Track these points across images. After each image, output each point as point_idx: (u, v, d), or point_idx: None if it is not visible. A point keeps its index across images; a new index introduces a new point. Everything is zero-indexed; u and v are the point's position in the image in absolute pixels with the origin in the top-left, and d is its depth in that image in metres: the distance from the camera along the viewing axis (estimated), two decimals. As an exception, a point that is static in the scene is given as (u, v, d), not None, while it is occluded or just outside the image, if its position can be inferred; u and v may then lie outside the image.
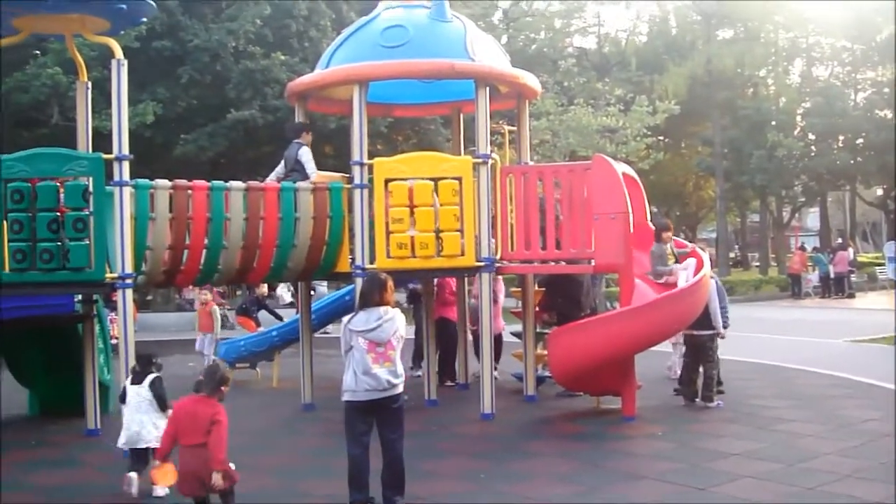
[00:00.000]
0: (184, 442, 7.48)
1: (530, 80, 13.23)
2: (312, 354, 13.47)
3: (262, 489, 8.82)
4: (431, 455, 9.99)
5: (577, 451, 10.24)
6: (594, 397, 12.64)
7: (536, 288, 13.81)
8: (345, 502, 7.90)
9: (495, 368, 13.31)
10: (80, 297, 12.00)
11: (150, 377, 8.88)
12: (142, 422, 8.76)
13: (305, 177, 12.31)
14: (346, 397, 7.85)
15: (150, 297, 28.74)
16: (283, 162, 13.02)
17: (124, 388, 8.98)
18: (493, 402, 12.06)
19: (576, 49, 48.68)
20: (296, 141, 12.84)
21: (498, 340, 14.46)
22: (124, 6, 10.50)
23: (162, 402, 8.76)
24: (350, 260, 12.10)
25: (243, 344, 16.21)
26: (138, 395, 8.80)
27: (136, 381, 8.90)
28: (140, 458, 8.79)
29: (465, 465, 9.72)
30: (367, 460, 7.89)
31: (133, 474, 8.62)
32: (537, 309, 13.74)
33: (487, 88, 12.39)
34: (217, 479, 7.33)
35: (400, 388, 7.87)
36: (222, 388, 7.72)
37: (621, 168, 12.23)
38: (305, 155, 12.55)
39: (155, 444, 8.33)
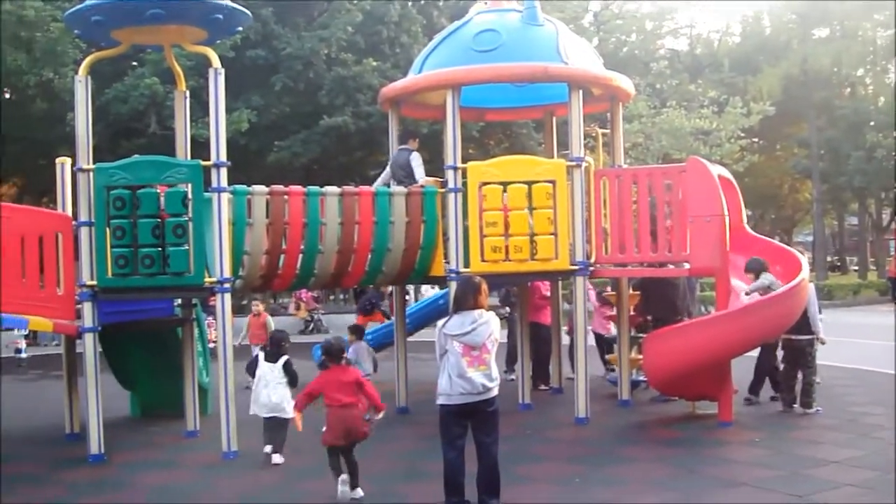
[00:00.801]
0: (335, 403, 8.69)
1: (624, 82, 13.14)
2: (407, 358, 13.54)
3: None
4: (526, 459, 9.96)
5: (672, 457, 10.12)
6: (689, 402, 12.50)
7: (631, 292, 13.70)
8: (441, 505, 7.92)
9: (613, 370, 13.34)
10: (179, 301, 12.23)
11: (284, 358, 10.45)
12: (282, 396, 10.30)
13: (415, 182, 12.37)
14: (441, 401, 7.87)
15: (245, 302, 29.12)
16: (388, 167, 13.08)
17: (256, 358, 10.65)
18: (587, 406, 11.99)
19: (667, 51, 48.19)
20: (403, 147, 12.90)
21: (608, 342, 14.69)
22: (221, 16, 10.64)
23: (294, 380, 10.41)
24: (444, 264, 12.12)
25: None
26: (272, 372, 10.37)
27: (270, 359, 10.44)
28: (278, 426, 10.30)
29: (559, 469, 9.68)
30: (462, 464, 7.90)
31: (268, 448, 10.30)
32: (632, 313, 13.63)
33: (581, 91, 12.33)
34: (375, 417, 8.85)
35: (495, 392, 7.86)
36: (343, 355, 9.03)
37: (717, 170, 12.09)
38: (416, 160, 12.64)
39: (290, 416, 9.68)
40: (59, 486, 9.54)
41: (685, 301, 13.51)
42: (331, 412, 8.74)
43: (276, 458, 10.25)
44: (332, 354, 9.00)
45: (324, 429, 8.74)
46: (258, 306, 17.07)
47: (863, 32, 47.52)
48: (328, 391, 8.75)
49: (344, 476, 8.71)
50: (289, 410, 9.92)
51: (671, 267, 12.52)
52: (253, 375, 10.57)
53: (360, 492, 8.69)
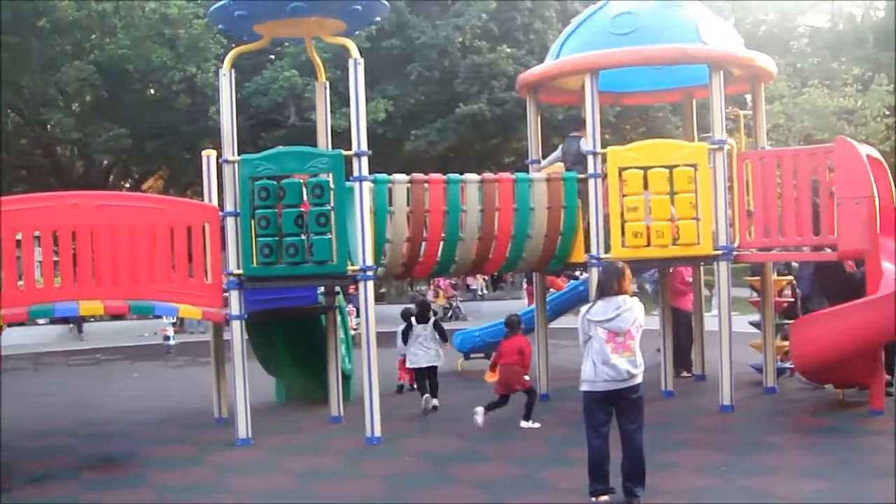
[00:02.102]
0: (503, 362, 11.40)
1: (765, 61, 12.83)
2: (548, 344, 13.52)
3: (505, 478, 8.94)
4: (670, 447, 9.83)
5: (822, 446, 9.86)
6: (838, 389, 12.17)
7: (776, 277, 13.41)
8: (585, 492, 7.89)
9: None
10: (322, 289, 12.44)
11: (433, 319, 12.89)
12: (437, 351, 12.67)
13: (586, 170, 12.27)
14: (584, 388, 7.82)
15: (383, 290, 29.48)
16: (557, 154, 13.04)
17: (409, 326, 12.76)
18: (731, 393, 11.79)
19: (807, 28, 46.85)
20: (574, 135, 12.76)
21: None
22: (359, 7, 10.77)
23: (444, 336, 12.78)
24: (585, 250, 12.04)
25: (478, 335, 16.43)
26: (425, 331, 12.63)
27: (421, 321, 12.67)
28: (432, 374, 12.73)
29: (704, 457, 9.53)
30: (607, 450, 7.84)
31: (427, 395, 12.56)
32: (777, 298, 13.34)
33: (721, 72, 12.10)
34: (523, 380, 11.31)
35: (639, 379, 7.78)
36: (520, 326, 11.65)
37: (865, 150, 11.71)
38: (586, 147, 12.50)
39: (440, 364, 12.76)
40: (209, 468, 9.85)
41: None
42: (500, 370, 11.41)
43: (434, 402, 12.54)
44: (511, 326, 11.54)
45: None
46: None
47: None
48: (503, 352, 11.42)
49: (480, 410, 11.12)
50: (440, 361, 12.74)
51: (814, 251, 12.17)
52: (405, 342, 12.80)
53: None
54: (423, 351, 12.57)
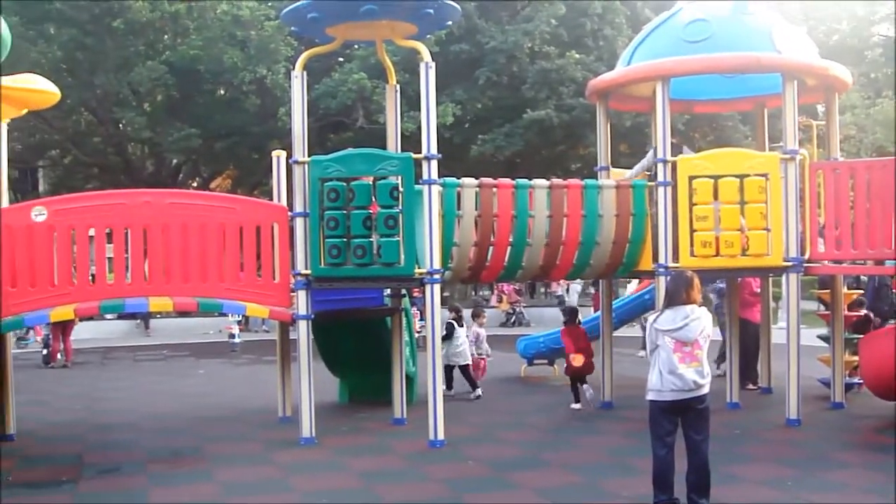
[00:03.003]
0: (584, 345, 13.30)
1: (840, 71, 12.66)
2: (612, 352, 13.47)
3: (568, 485, 8.91)
4: (735, 459, 9.74)
5: (888, 464, 9.67)
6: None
7: (846, 290, 13.23)
8: (649, 502, 7.84)
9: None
10: (388, 291, 12.49)
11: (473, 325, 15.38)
12: (471, 351, 14.77)
13: None
14: (651, 396, 7.78)
15: (447, 293, 29.50)
16: (645, 162, 13.00)
17: (451, 325, 14.36)
18: (798, 407, 11.64)
19: (882, 38, 46.14)
20: (673, 142, 12.74)
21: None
22: (431, 11, 10.80)
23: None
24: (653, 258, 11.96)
25: (542, 340, 16.41)
26: (465, 331, 14.74)
27: (460, 325, 14.58)
28: (466, 371, 14.54)
29: (770, 471, 9.43)
30: (672, 461, 7.79)
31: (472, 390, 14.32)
32: (847, 312, 13.17)
33: (795, 82, 11.96)
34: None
35: (706, 389, 7.72)
36: (577, 318, 13.91)
37: (939, 164, 11.52)
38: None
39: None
40: (273, 467, 9.90)
41: None
42: (571, 357, 13.18)
43: (479, 392, 14.32)
44: (569, 315, 13.71)
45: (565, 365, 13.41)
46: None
47: None
48: (570, 342, 13.26)
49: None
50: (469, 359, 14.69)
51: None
52: (448, 338, 14.13)
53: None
54: (465, 348, 14.55)
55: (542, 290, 33.51)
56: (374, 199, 10.60)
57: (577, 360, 13.13)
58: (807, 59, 12.36)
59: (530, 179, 11.82)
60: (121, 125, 29.10)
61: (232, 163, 32.93)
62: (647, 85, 12.63)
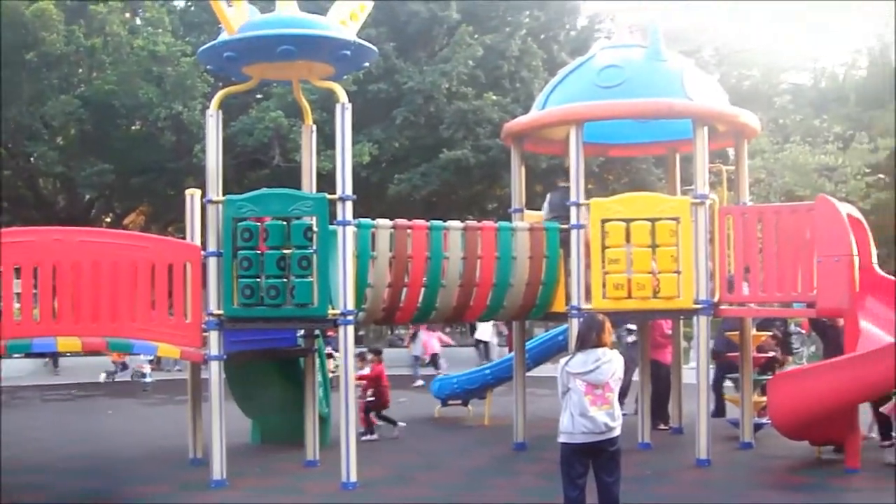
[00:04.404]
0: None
1: (750, 118, 12.96)
2: (526, 393, 13.50)
3: (479, 527, 8.90)
4: (647, 500, 9.83)
5: (798, 503, 9.89)
6: (815, 447, 12.20)
7: (755, 332, 13.46)
8: (562, 544, 7.86)
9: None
10: (302, 332, 12.41)
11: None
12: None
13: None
14: (562, 439, 7.83)
15: (362, 333, 29.37)
16: (546, 205, 13.17)
17: None
18: (708, 447, 11.78)
19: (791, 85, 47.26)
20: (564, 185, 12.88)
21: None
22: (349, 52, 10.82)
23: None
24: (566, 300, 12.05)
25: (456, 381, 16.39)
26: None
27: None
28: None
29: (681, 512, 9.53)
30: (584, 502, 7.83)
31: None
32: (755, 354, 13.40)
33: (706, 128, 12.20)
34: None
35: (617, 431, 7.81)
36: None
37: (846, 209, 11.82)
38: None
39: None
40: (183, 510, 9.75)
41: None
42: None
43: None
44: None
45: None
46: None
47: None
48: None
49: None
50: None
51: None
52: None
53: None
54: None
55: (459, 330, 33.44)
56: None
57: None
58: (717, 106, 12.63)
59: (447, 219, 11.92)
60: (32, 159, 28.58)
61: (147, 199, 32.50)
62: (562, 128, 12.77)
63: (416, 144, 28.55)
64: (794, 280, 11.73)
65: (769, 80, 44.47)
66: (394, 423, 14.33)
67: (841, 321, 12.53)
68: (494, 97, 27.75)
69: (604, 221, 11.62)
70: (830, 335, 12.90)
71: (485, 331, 27.29)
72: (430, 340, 25.02)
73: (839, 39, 51.67)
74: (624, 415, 13.80)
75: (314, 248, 10.48)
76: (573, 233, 11.80)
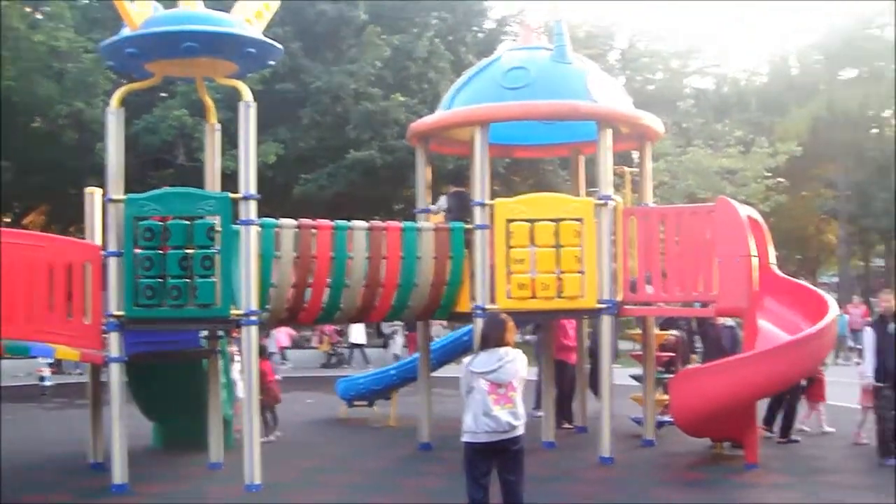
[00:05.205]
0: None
1: (653, 121, 13.14)
2: (431, 393, 13.51)
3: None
4: (551, 498, 9.89)
5: (699, 499, 10.06)
6: (715, 443, 12.44)
7: (658, 331, 13.66)
8: (466, 543, 7.86)
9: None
10: (205, 333, 12.24)
11: None
12: None
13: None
14: (465, 438, 7.82)
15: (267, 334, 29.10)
16: (437, 207, 13.35)
17: None
18: (611, 445, 11.91)
19: (694, 90, 48.08)
20: (458, 190, 13.13)
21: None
22: (254, 50, 10.71)
23: None
24: (471, 300, 12.08)
25: (362, 381, 16.33)
26: None
27: None
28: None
29: (585, 509, 9.62)
30: (487, 502, 7.84)
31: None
32: (658, 353, 13.60)
33: (609, 130, 12.33)
34: None
35: (521, 430, 7.81)
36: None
37: (745, 211, 12.06)
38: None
39: None
40: (82, 517, 9.53)
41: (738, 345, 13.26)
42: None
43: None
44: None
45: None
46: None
47: (889, 74, 47.37)
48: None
49: None
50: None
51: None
52: None
53: None
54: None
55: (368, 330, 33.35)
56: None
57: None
58: (621, 108, 12.78)
59: (353, 220, 11.82)
60: (-75, 157, 27.80)
61: (47, 198, 31.82)
62: (468, 129, 12.80)
63: (323, 145, 28.45)
64: (696, 280, 11.93)
65: (673, 85, 45.20)
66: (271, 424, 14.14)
67: (721, 321, 12.85)
68: (402, 98, 27.77)
69: (508, 222, 11.69)
70: (711, 334, 13.15)
71: (358, 334, 27.24)
72: (279, 335, 25.10)
73: (742, 47, 52.67)
74: (537, 416, 14.03)
75: (217, 247, 10.35)
76: (477, 233, 11.84)
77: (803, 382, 13.68)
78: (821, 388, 14.20)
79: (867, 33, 44.89)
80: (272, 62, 11.89)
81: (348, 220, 11.80)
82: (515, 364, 7.79)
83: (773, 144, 33.19)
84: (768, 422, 13.57)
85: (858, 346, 17.66)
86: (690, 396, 11.41)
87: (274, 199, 26.27)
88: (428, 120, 13.50)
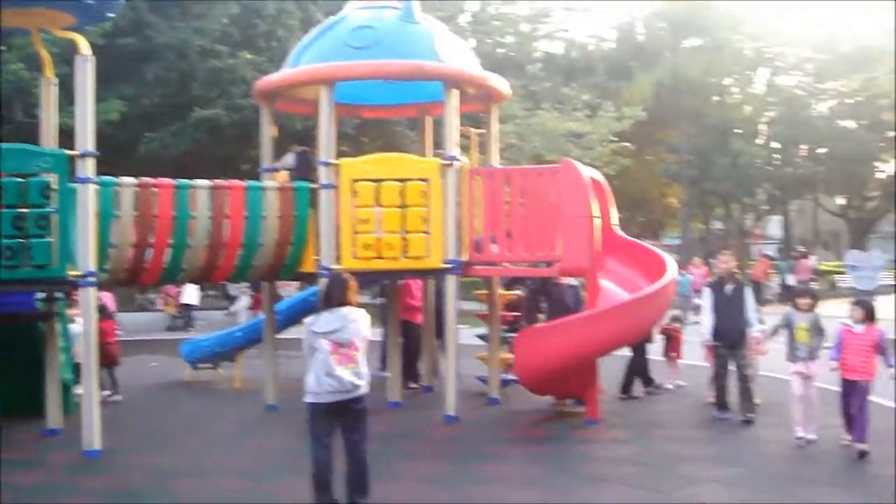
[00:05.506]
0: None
1: (499, 82, 13.22)
2: (276, 355, 13.41)
3: (227, 490, 8.82)
4: (396, 457, 9.95)
5: (542, 455, 10.25)
6: (558, 400, 12.70)
7: (503, 291, 13.82)
8: (309, 504, 7.84)
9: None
10: (42, 295, 11.84)
11: None
12: None
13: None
14: (308, 399, 7.80)
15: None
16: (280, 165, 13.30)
17: None
18: (456, 404, 12.03)
19: (543, 54, 48.59)
20: (302, 149, 13.20)
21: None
22: (91, 1, 10.36)
23: None
24: (316, 260, 12.00)
25: (206, 344, 16.10)
26: None
27: None
28: None
29: (430, 467, 9.70)
30: (331, 462, 7.85)
31: None
32: (503, 312, 13.78)
33: (456, 90, 12.36)
34: None
35: (364, 390, 7.82)
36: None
37: (589, 173, 12.25)
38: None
39: None
40: None
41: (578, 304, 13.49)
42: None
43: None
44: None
45: None
46: None
47: (731, 43, 48.80)
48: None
49: None
50: None
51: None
52: None
53: None
54: None
55: (210, 292, 32.89)
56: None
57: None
58: (467, 69, 12.81)
59: (201, 179, 11.56)
60: None
61: None
62: (314, 88, 12.66)
63: (168, 103, 27.82)
64: (541, 240, 12.07)
65: (522, 49, 45.57)
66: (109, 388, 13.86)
67: (564, 280, 13.09)
68: (249, 56, 27.33)
69: (354, 181, 11.63)
70: (555, 294, 13.38)
71: (191, 295, 26.87)
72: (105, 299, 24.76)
73: (590, 13, 53.53)
74: (385, 377, 14.02)
75: (53, 206, 10.00)
76: (322, 193, 11.75)
77: (656, 341, 14.21)
78: (677, 346, 14.66)
79: (709, 4, 46.19)
80: (111, 14, 11.56)
81: (194, 179, 11.54)
82: (358, 324, 7.78)
83: (619, 109, 33.90)
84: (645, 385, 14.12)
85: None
86: (533, 355, 11.61)
87: (117, 159, 25.57)
88: (273, 78, 13.30)
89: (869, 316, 10.16)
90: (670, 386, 14.45)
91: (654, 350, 14.56)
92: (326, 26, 13.30)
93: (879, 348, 9.99)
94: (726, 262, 12.47)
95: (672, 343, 14.74)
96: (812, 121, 45.74)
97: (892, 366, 10.00)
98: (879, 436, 10.38)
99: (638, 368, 13.94)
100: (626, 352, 13.64)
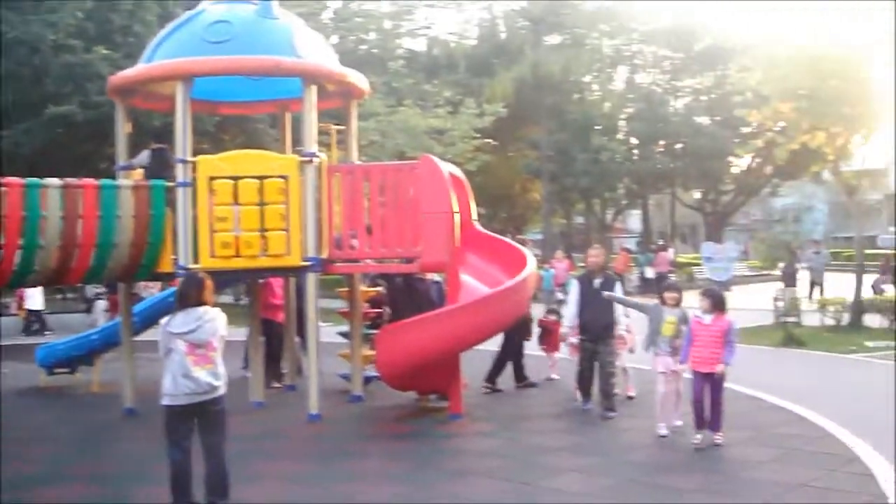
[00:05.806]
0: None
1: (358, 78, 13.20)
2: (135, 357, 13.14)
3: (84, 497, 8.62)
4: (258, 457, 9.87)
5: (406, 451, 10.31)
6: (421, 396, 12.75)
7: (365, 288, 13.81)
8: (168, 508, 7.70)
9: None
10: None
11: None
12: None
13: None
14: (165, 401, 7.67)
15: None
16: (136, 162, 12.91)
17: None
18: (319, 402, 11.97)
19: (406, 51, 48.73)
20: (159, 146, 12.83)
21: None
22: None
23: None
24: (173, 260, 11.78)
25: (62, 347, 15.66)
26: None
27: None
28: None
29: (293, 466, 9.66)
30: (188, 465, 7.74)
31: None
32: (366, 309, 13.77)
33: (315, 87, 12.29)
34: None
35: (222, 391, 7.73)
36: None
37: (448, 168, 12.33)
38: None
39: None
40: None
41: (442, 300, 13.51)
42: None
43: None
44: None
45: None
46: None
47: (591, 41, 49.78)
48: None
49: None
50: None
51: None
52: None
53: None
54: None
55: (68, 295, 32.04)
56: None
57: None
58: (326, 65, 12.76)
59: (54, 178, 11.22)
60: None
61: None
62: (172, 84, 12.42)
63: (20, 99, 26.92)
64: (401, 236, 12.10)
65: (385, 45, 45.59)
66: None
67: (428, 276, 13.17)
68: (105, 51, 26.63)
69: (211, 179, 11.46)
70: (420, 290, 13.45)
71: (35, 300, 26.19)
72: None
73: (452, 10, 53.89)
74: (248, 377, 13.85)
75: None
76: (179, 191, 11.54)
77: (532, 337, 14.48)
78: (554, 339, 14.81)
79: (569, 3, 47.05)
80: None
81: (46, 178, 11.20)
82: (214, 323, 7.68)
83: (481, 106, 34.19)
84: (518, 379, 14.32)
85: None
86: (395, 351, 11.63)
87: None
88: (127, 73, 13.01)
89: (717, 306, 10.31)
90: (556, 376, 14.65)
91: (531, 345, 14.76)
92: (182, 21, 13.08)
93: (726, 339, 10.09)
94: (596, 255, 12.59)
95: (549, 336, 14.91)
96: (669, 117, 47.05)
97: (727, 363, 10.07)
98: (729, 420, 10.65)
99: (512, 361, 14.07)
100: (494, 346, 13.77)
